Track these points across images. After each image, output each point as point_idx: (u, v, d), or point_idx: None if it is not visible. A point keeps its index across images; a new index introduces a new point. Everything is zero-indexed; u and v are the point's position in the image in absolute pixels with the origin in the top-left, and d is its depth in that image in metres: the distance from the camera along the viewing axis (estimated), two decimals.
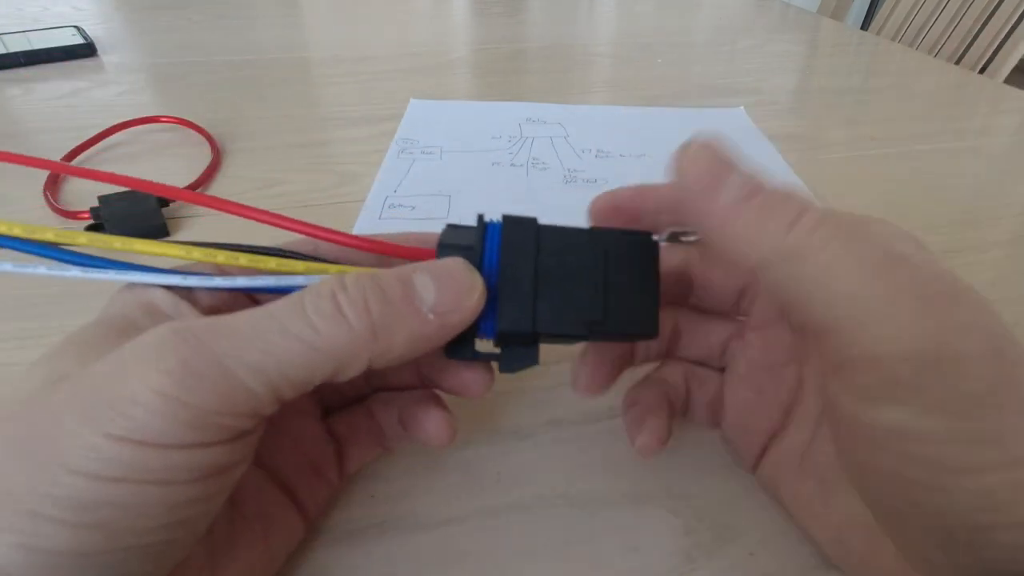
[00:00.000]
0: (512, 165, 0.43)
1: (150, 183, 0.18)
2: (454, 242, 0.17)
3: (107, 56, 0.60)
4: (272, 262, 0.17)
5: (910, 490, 0.14)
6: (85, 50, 0.59)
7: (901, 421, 0.13)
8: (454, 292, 0.16)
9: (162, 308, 0.17)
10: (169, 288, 0.17)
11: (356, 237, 0.17)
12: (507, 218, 0.18)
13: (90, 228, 0.34)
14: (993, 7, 0.80)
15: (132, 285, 0.17)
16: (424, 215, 0.37)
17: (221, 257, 0.17)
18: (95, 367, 0.14)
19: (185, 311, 0.17)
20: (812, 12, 0.88)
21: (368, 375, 0.19)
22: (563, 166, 0.43)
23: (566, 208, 0.38)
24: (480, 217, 0.18)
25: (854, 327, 0.14)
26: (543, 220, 0.18)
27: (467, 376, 0.20)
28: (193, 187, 0.38)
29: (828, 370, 0.16)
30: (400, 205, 0.38)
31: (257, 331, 0.14)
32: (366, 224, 0.36)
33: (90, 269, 0.17)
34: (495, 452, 0.23)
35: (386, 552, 0.20)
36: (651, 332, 0.18)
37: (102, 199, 0.34)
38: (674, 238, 0.19)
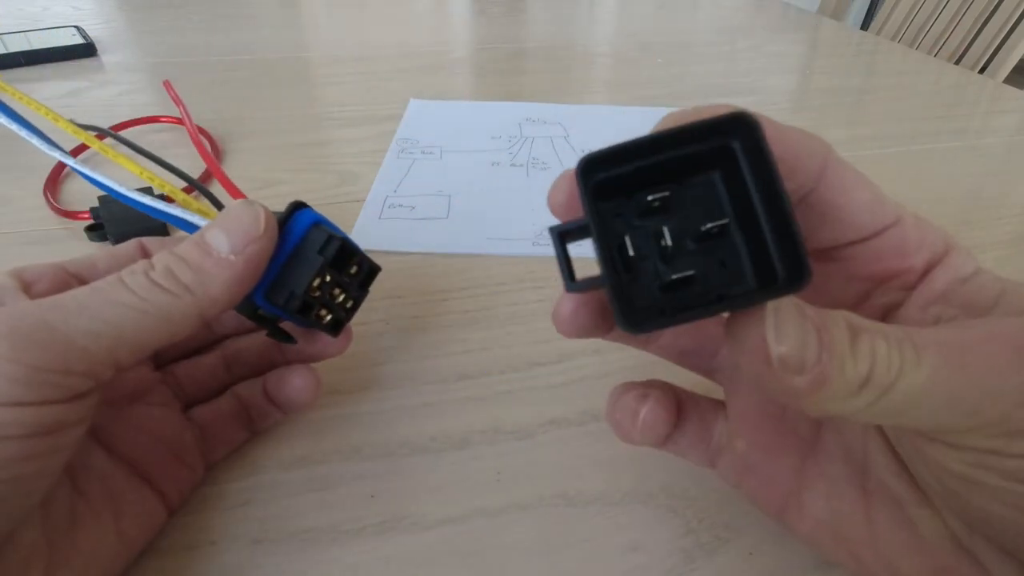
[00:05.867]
0: (512, 165, 0.43)
1: None
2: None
3: (107, 56, 0.60)
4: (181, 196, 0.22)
5: None
6: (85, 50, 0.59)
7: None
8: (241, 229, 0.18)
9: None
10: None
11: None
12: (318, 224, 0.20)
13: (90, 228, 0.34)
14: (993, 7, 0.80)
15: None
16: (424, 215, 0.37)
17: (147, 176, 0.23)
18: None
19: (15, 295, 0.18)
20: (812, 12, 0.88)
21: (229, 364, 0.24)
22: (563, 166, 0.43)
23: None
24: (298, 204, 0.20)
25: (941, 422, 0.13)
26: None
27: (317, 343, 0.23)
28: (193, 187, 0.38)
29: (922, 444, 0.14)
30: (400, 205, 0.38)
31: (84, 303, 0.16)
32: (366, 223, 0.36)
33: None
34: (495, 452, 0.23)
35: (386, 552, 0.20)
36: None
37: (102, 199, 0.34)
38: None
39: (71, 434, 0.16)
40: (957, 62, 0.82)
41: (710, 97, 0.56)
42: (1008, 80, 0.72)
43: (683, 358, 0.20)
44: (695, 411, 0.19)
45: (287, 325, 0.22)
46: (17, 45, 0.57)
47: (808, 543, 0.18)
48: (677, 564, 0.20)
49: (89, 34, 0.61)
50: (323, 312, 0.21)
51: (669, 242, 0.13)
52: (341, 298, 0.22)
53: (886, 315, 0.16)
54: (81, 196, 0.38)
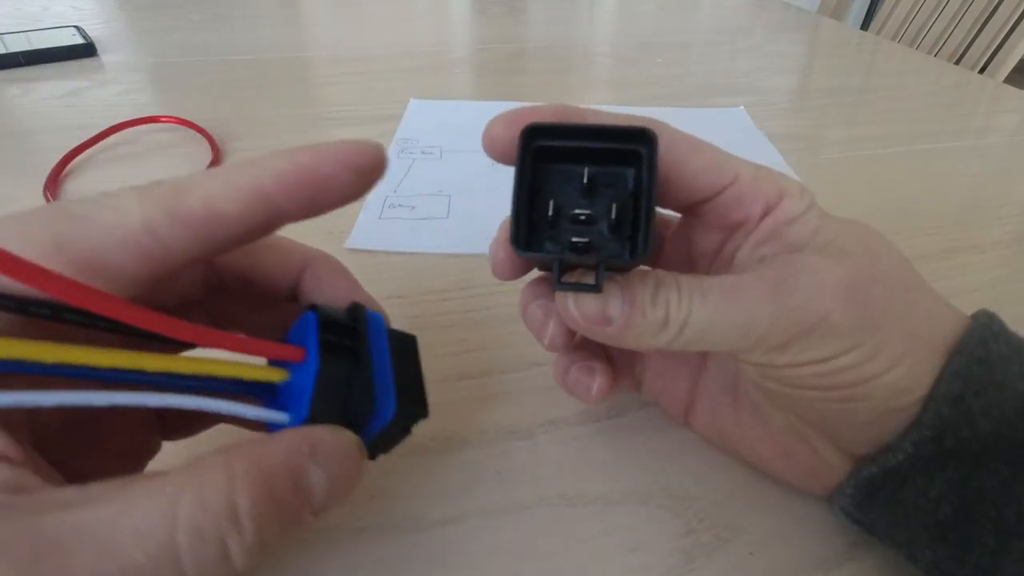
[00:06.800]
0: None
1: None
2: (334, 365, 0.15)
3: (107, 56, 0.60)
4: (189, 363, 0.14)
5: (843, 402, 0.17)
6: (85, 50, 0.59)
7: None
8: (345, 488, 0.14)
9: None
10: None
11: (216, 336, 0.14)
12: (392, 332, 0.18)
13: None
14: (993, 7, 0.80)
15: None
16: (424, 215, 0.37)
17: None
18: None
19: None
20: (812, 12, 0.88)
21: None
22: None
23: None
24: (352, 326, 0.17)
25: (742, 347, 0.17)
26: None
27: None
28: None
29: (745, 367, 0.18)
30: (400, 205, 0.38)
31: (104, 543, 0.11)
32: (366, 223, 0.36)
33: None
34: (495, 452, 0.23)
35: (386, 552, 0.20)
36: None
37: None
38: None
39: None
40: (957, 62, 0.82)
41: (710, 97, 0.56)
42: (1008, 80, 0.72)
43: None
44: (623, 360, 0.24)
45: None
46: (17, 45, 0.57)
47: (705, 439, 0.24)
48: (677, 564, 0.20)
49: (89, 34, 0.61)
50: None
51: (583, 214, 0.16)
52: None
53: (733, 258, 0.19)
54: (82, 196, 0.38)
